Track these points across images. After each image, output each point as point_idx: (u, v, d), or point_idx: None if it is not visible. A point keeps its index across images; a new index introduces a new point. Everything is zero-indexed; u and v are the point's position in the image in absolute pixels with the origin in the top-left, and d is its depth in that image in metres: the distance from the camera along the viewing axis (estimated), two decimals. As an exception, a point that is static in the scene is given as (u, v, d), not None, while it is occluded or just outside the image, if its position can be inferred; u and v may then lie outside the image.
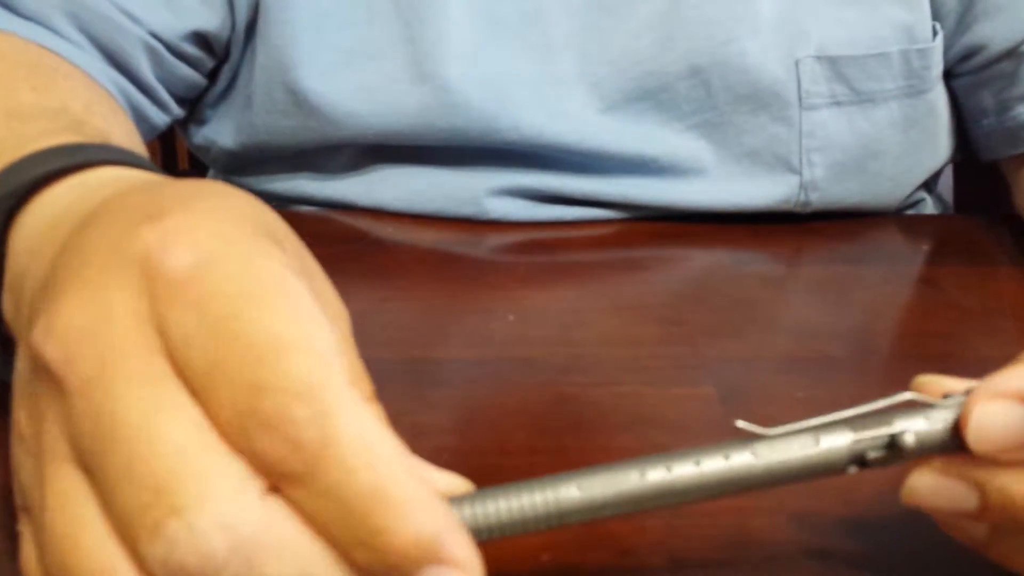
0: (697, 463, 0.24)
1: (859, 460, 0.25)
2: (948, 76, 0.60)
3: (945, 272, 0.52)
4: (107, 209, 0.25)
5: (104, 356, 0.21)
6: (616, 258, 0.54)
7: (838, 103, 0.56)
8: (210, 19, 0.55)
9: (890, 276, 0.53)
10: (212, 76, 0.59)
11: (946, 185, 0.72)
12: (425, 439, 0.35)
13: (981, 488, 0.25)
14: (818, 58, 0.55)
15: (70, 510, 0.21)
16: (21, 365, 0.24)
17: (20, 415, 0.23)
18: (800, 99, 0.56)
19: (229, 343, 0.21)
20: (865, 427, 0.25)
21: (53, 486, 0.22)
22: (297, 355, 0.21)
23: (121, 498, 0.21)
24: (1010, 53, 0.57)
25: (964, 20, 0.58)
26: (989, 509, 0.25)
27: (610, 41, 0.56)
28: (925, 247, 0.57)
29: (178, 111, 0.58)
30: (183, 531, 0.20)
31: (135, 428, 0.21)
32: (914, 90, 0.57)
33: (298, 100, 0.56)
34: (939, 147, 0.61)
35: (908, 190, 0.61)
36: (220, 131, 0.60)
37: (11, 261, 0.30)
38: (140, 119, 0.54)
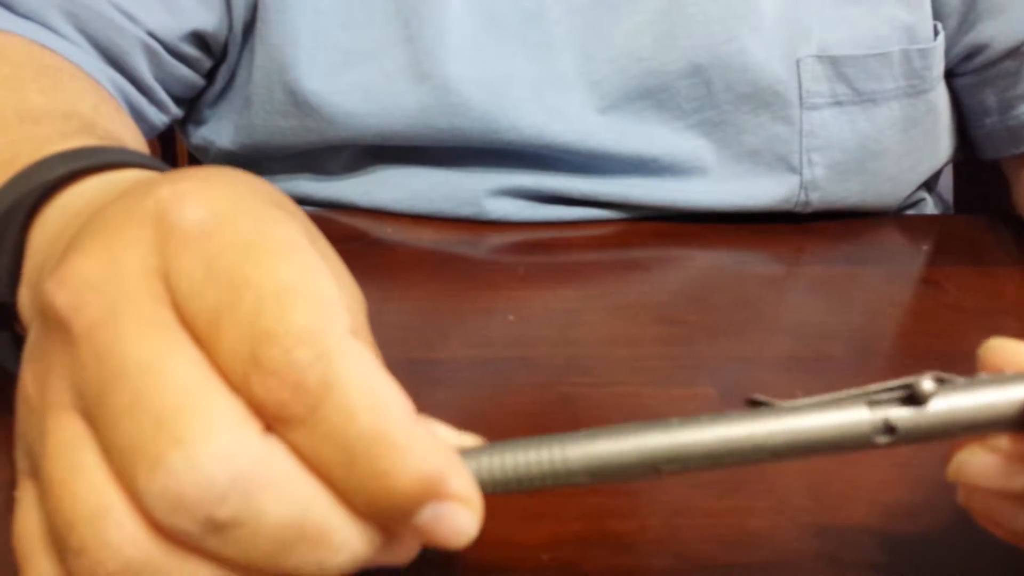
0: (705, 427, 0.24)
1: (885, 427, 0.24)
2: (950, 75, 0.60)
3: (945, 272, 0.52)
4: (128, 187, 0.26)
5: (111, 302, 0.22)
6: (616, 258, 0.54)
7: (839, 103, 0.56)
8: (208, 19, 0.55)
9: (890, 276, 0.53)
10: (210, 76, 0.59)
11: (946, 185, 0.72)
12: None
13: None
14: (819, 57, 0.55)
15: (69, 457, 0.21)
16: (32, 327, 0.24)
17: (27, 376, 0.23)
18: (801, 98, 0.56)
19: (234, 290, 0.21)
20: (883, 395, 0.24)
21: (54, 436, 0.22)
22: (300, 301, 0.21)
23: (121, 435, 0.21)
24: (1013, 52, 0.57)
25: (967, 20, 0.58)
26: None
27: (610, 40, 0.56)
28: (925, 247, 0.57)
29: (176, 111, 0.58)
30: (183, 462, 0.20)
31: (138, 367, 0.21)
32: (915, 90, 0.57)
33: (297, 100, 0.56)
34: (940, 147, 0.61)
35: (908, 190, 0.61)
36: (219, 131, 0.60)
37: (31, 257, 0.30)
38: (138, 119, 0.54)
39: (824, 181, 0.57)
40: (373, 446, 0.21)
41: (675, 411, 0.37)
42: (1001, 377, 0.25)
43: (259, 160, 0.60)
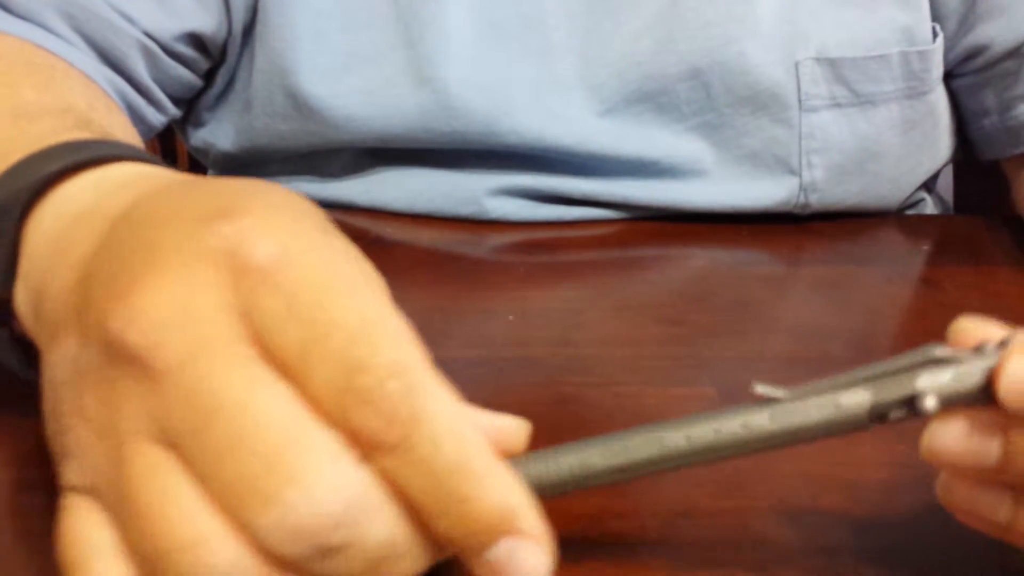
0: (716, 429, 0.25)
1: (880, 417, 0.25)
2: (949, 76, 0.60)
3: (945, 272, 0.52)
4: (160, 206, 0.26)
5: (192, 341, 0.22)
6: (616, 258, 0.54)
7: (838, 105, 0.56)
8: (205, 20, 0.55)
9: (890, 276, 0.53)
10: (208, 78, 0.59)
11: (946, 185, 0.72)
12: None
13: (1006, 438, 0.24)
14: (818, 60, 0.55)
15: (158, 483, 0.22)
16: (79, 353, 0.24)
17: (87, 400, 0.23)
18: (800, 101, 0.56)
19: (320, 326, 0.22)
20: (887, 386, 0.25)
21: (137, 462, 0.22)
22: (386, 336, 0.23)
23: (225, 471, 0.22)
24: (1013, 53, 0.57)
25: (966, 21, 0.58)
26: (1012, 463, 0.24)
27: (609, 44, 0.56)
28: (925, 247, 0.57)
29: (175, 111, 0.58)
30: (300, 497, 0.21)
31: (234, 405, 0.22)
32: (914, 92, 0.57)
33: (298, 103, 0.56)
34: (939, 148, 0.61)
35: (908, 191, 0.61)
36: (218, 133, 0.60)
37: (28, 252, 0.30)
38: (136, 119, 0.54)
39: (823, 183, 0.57)
40: (456, 474, 0.22)
41: (675, 411, 0.37)
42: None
43: (259, 162, 0.60)
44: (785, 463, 0.33)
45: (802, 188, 0.57)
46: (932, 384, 0.25)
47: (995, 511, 0.25)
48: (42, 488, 0.32)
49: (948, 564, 0.29)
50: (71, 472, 0.24)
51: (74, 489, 0.24)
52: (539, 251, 0.54)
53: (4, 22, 0.49)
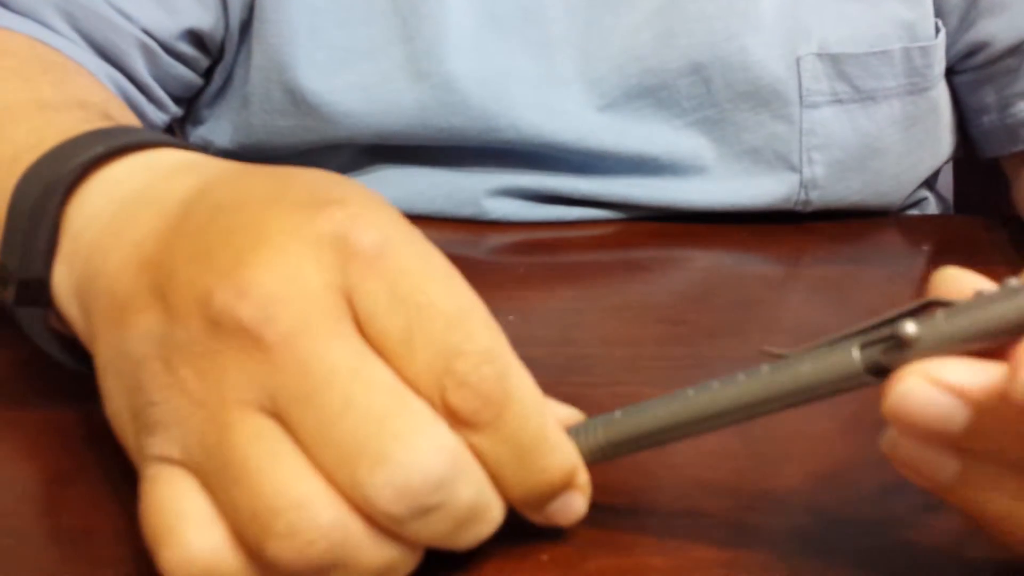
0: (720, 387, 0.27)
1: (875, 368, 0.25)
2: (950, 73, 0.60)
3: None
4: (248, 191, 0.27)
5: (302, 315, 0.24)
6: (616, 258, 0.54)
7: (839, 101, 0.56)
8: (204, 17, 0.55)
9: (890, 276, 0.53)
10: (207, 75, 0.59)
11: (946, 184, 0.72)
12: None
13: (972, 401, 0.23)
14: (819, 56, 0.55)
15: (264, 447, 0.24)
16: (167, 329, 0.25)
17: (184, 372, 0.25)
18: (801, 97, 0.55)
19: (421, 312, 0.24)
20: (879, 328, 0.25)
21: (242, 429, 0.24)
22: (479, 324, 0.25)
23: (335, 435, 0.23)
24: (1014, 50, 0.57)
25: (968, 17, 0.58)
26: (978, 432, 0.23)
27: (609, 38, 0.55)
28: (925, 247, 0.57)
29: (176, 109, 0.58)
30: (408, 456, 0.23)
31: (347, 373, 0.24)
32: (916, 88, 0.57)
33: (295, 99, 0.56)
34: (941, 145, 0.61)
35: (910, 188, 0.61)
36: (217, 131, 0.60)
37: (72, 232, 0.31)
38: (138, 116, 0.54)
39: (824, 180, 0.57)
40: (538, 447, 0.25)
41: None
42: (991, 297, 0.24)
43: (258, 159, 0.60)
44: (785, 463, 0.33)
45: (803, 185, 0.57)
46: (920, 323, 0.24)
47: (939, 471, 0.25)
48: (68, 480, 0.32)
49: (948, 564, 0.29)
50: (159, 443, 0.25)
51: (162, 459, 0.25)
52: (539, 251, 0.54)
53: (6, 18, 0.49)
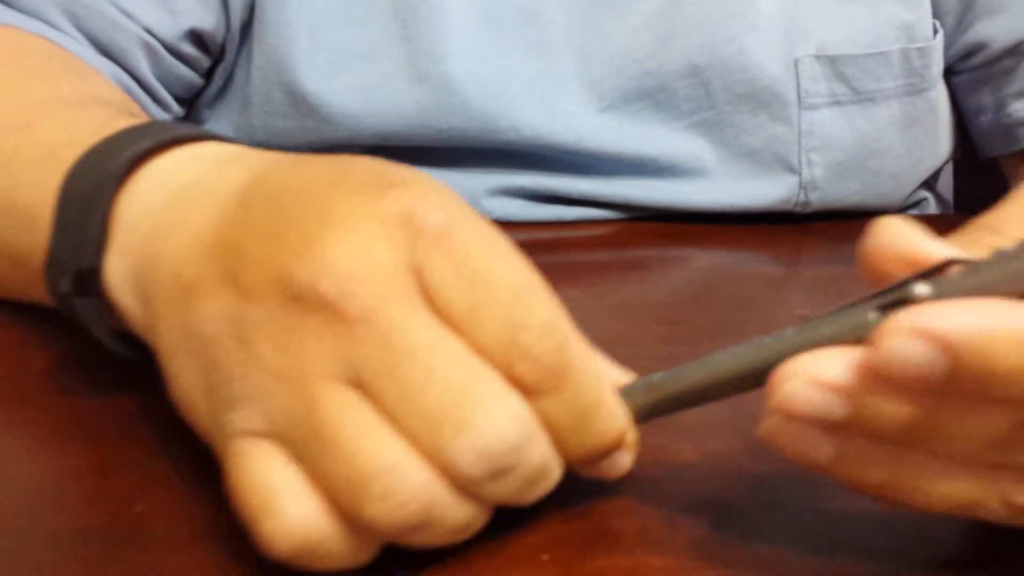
0: (756, 348, 0.28)
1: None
2: (948, 73, 0.60)
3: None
4: (308, 178, 0.28)
5: (379, 291, 0.25)
6: (616, 258, 0.54)
7: (838, 102, 0.56)
8: (205, 18, 0.55)
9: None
10: (207, 76, 0.59)
11: (946, 184, 0.72)
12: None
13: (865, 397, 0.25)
14: (817, 57, 0.55)
15: (352, 417, 0.25)
16: (241, 308, 0.26)
17: (264, 348, 0.25)
18: (799, 98, 0.56)
19: (486, 287, 0.26)
20: (893, 293, 0.25)
21: (329, 401, 0.25)
22: (539, 298, 0.27)
23: (419, 404, 0.25)
24: (1012, 51, 0.57)
25: (965, 18, 0.58)
26: (861, 419, 0.25)
27: (609, 40, 0.55)
28: (925, 247, 0.57)
29: (178, 110, 0.58)
30: (488, 421, 0.25)
31: (428, 345, 0.25)
32: (914, 88, 0.57)
33: (296, 101, 0.56)
34: (939, 145, 0.61)
35: (909, 189, 0.61)
36: (217, 132, 0.60)
37: (124, 223, 0.32)
38: None
39: (823, 181, 0.57)
40: (595, 411, 0.27)
41: (675, 411, 0.37)
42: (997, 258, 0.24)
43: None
44: (786, 463, 0.33)
45: (802, 186, 0.57)
46: (934, 284, 0.24)
47: (818, 453, 0.26)
48: (68, 480, 0.32)
49: (949, 564, 0.29)
50: (242, 418, 0.26)
51: (247, 433, 0.26)
52: (539, 251, 0.54)
53: (13, 17, 0.49)
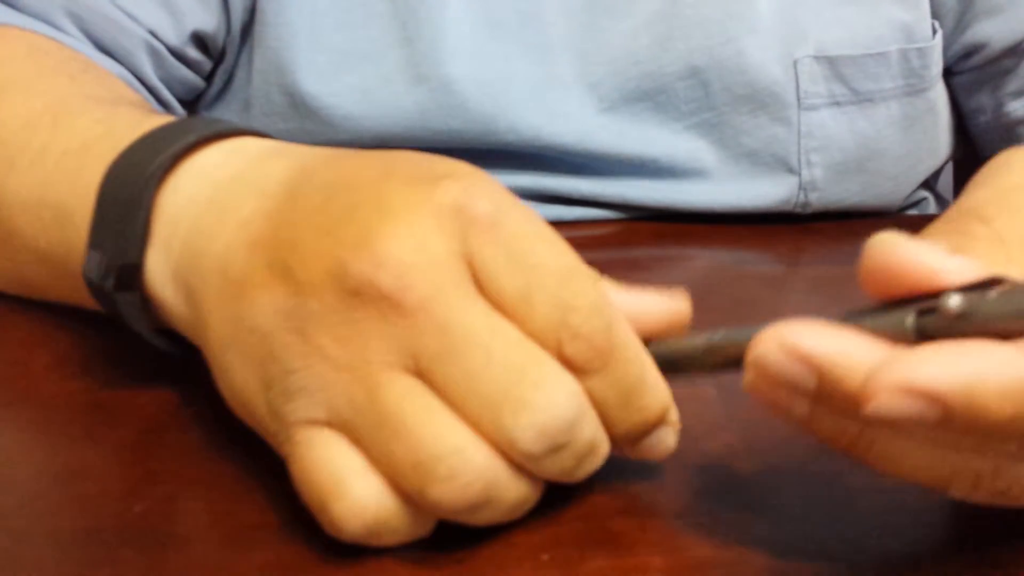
0: None
1: (924, 335, 0.25)
2: (947, 74, 0.60)
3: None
4: (357, 171, 0.29)
5: (435, 281, 0.26)
6: (616, 258, 0.54)
7: (837, 103, 0.56)
8: (206, 20, 0.55)
9: (890, 276, 0.53)
10: (208, 78, 0.59)
11: (946, 185, 0.72)
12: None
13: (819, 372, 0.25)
14: (816, 58, 0.55)
15: (416, 403, 0.26)
16: (296, 301, 0.27)
17: (323, 340, 0.26)
18: (799, 99, 0.56)
19: (536, 272, 0.27)
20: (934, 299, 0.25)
21: (392, 388, 0.26)
22: (585, 280, 0.28)
23: (480, 387, 0.26)
24: (1011, 51, 0.57)
25: (964, 19, 0.58)
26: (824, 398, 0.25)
27: (608, 41, 0.56)
28: (925, 247, 0.57)
29: (181, 112, 0.58)
30: (547, 400, 0.26)
31: (485, 330, 0.26)
32: (913, 89, 0.57)
33: (296, 103, 0.56)
34: (939, 145, 0.61)
35: (909, 189, 0.61)
36: None
37: (166, 217, 0.32)
38: None
39: (823, 182, 0.57)
40: (639, 388, 0.28)
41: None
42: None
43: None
44: (786, 463, 0.33)
45: (802, 187, 0.57)
46: (969, 299, 0.24)
47: (793, 410, 0.26)
48: (68, 480, 0.32)
49: (949, 564, 0.29)
50: (303, 408, 0.27)
51: (309, 423, 0.27)
52: (539, 251, 0.54)
53: (21, 19, 0.49)
